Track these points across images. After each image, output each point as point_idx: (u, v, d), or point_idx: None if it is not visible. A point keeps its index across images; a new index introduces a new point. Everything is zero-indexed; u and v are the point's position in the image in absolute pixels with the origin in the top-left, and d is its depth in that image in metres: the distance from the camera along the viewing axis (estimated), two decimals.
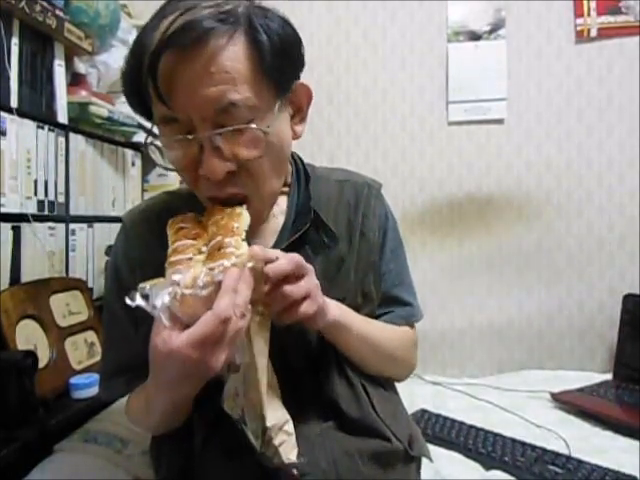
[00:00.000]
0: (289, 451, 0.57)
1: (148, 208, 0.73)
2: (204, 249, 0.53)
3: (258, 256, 0.53)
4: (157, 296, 0.47)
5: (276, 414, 0.56)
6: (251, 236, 0.67)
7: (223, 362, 0.48)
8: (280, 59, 0.58)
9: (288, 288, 0.56)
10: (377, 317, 0.76)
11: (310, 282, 0.58)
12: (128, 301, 0.48)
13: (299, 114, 0.66)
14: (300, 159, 0.77)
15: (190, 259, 0.51)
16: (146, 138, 0.63)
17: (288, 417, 0.58)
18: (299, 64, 0.63)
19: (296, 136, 0.66)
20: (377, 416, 0.67)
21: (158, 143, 0.62)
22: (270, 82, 0.58)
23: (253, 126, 0.56)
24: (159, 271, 0.64)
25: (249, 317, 0.50)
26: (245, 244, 0.53)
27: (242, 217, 0.56)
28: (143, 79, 0.56)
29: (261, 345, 0.55)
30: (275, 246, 0.68)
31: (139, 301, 0.47)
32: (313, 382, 0.67)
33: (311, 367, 0.67)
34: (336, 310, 0.64)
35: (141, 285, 0.49)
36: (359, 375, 0.69)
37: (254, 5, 0.59)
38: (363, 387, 0.69)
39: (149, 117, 0.62)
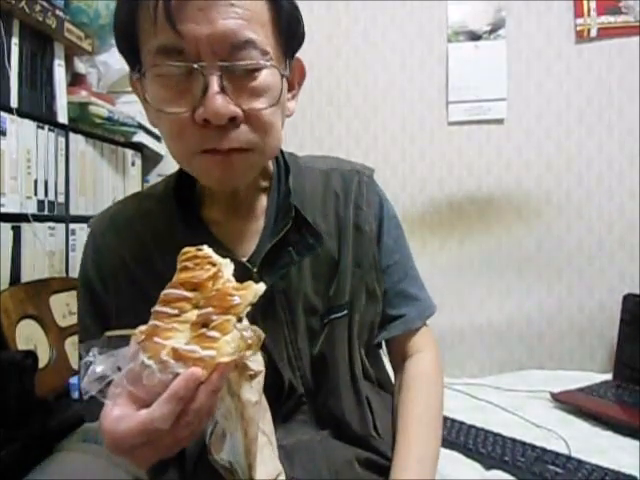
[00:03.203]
0: None
1: (116, 214, 0.67)
2: (202, 303, 0.44)
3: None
4: (102, 366, 0.42)
5: (267, 469, 0.50)
6: (230, 242, 0.63)
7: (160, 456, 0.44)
8: (292, 25, 0.58)
9: None
10: (388, 322, 0.70)
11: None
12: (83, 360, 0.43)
13: (292, 90, 0.64)
14: (280, 150, 0.68)
15: (177, 315, 0.43)
16: (136, 70, 0.55)
17: (280, 469, 0.52)
18: (301, 39, 0.62)
19: (289, 113, 0.63)
20: (377, 434, 0.65)
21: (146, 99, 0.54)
22: (282, 42, 0.57)
23: (271, 63, 0.52)
24: (130, 283, 0.62)
25: (207, 421, 0.45)
26: (234, 332, 0.42)
27: (249, 289, 0.44)
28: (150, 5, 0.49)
29: (253, 414, 0.47)
30: (256, 253, 0.62)
31: (90, 358, 0.42)
32: (318, 393, 0.65)
33: (317, 377, 0.65)
34: None
35: (107, 334, 0.45)
36: (366, 389, 0.66)
37: None
38: (368, 402, 0.66)
39: (132, 62, 0.56)
